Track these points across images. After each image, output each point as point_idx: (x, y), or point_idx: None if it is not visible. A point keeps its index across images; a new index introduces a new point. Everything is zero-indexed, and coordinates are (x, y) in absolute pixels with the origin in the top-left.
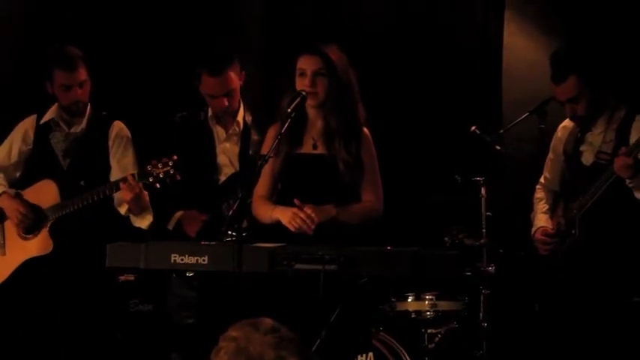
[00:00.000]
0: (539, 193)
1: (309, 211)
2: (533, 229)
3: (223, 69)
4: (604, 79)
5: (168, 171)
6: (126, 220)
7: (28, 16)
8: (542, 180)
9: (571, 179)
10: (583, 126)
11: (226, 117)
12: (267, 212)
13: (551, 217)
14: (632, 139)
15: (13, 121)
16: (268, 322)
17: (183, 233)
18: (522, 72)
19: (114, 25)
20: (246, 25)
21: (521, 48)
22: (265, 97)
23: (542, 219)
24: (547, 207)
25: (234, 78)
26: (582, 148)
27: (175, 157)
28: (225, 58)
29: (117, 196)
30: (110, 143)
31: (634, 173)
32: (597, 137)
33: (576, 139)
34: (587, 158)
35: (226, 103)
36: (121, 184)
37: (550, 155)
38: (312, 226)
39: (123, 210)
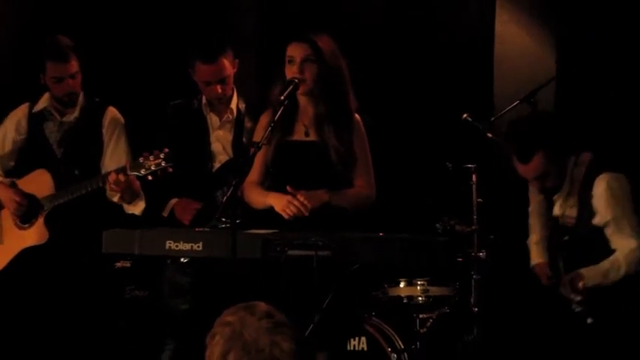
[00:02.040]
0: (531, 219)
1: (302, 198)
2: (531, 263)
3: (217, 56)
4: (568, 146)
5: (160, 163)
6: (120, 207)
7: (23, 3)
8: (529, 208)
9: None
10: (552, 195)
11: (220, 104)
12: (260, 198)
13: (544, 248)
14: (596, 207)
15: (5, 109)
16: (263, 306)
17: (177, 220)
18: (514, 61)
19: (108, 13)
20: (240, 14)
21: (513, 37)
22: (258, 85)
23: (535, 253)
24: (538, 237)
25: (228, 65)
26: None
27: (167, 150)
28: (218, 45)
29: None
30: (104, 130)
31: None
32: (560, 199)
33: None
34: (556, 212)
35: (220, 90)
36: (109, 177)
37: (530, 189)
38: (306, 213)
39: (115, 198)
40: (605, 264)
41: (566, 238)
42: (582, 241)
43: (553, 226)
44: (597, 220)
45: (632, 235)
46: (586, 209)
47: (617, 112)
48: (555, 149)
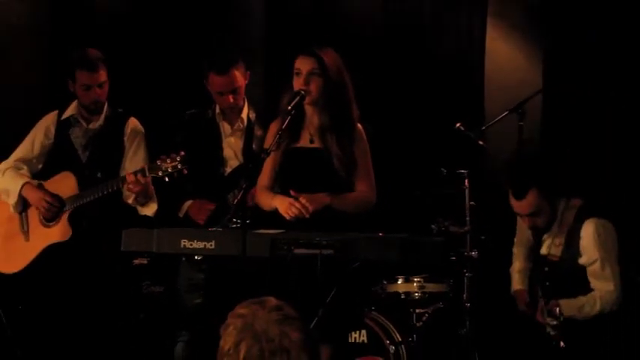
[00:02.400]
0: (516, 249)
1: (303, 201)
2: (512, 290)
3: (229, 68)
4: (559, 187)
5: (176, 165)
6: (134, 209)
7: (53, 21)
8: (515, 239)
9: (534, 260)
10: (541, 234)
11: (232, 113)
12: (267, 201)
13: (525, 276)
14: (583, 247)
15: (37, 115)
16: (273, 300)
17: (192, 221)
18: (503, 74)
19: (130, 30)
20: (249, 29)
21: (503, 52)
22: (266, 95)
23: (516, 280)
24: (521, 266)
25: (240, 76)
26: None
27: (183, 153)
28: (230, 58)
29: (125, 188)
30: (125, 138)
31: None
32: (549, 239)
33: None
34: (543, 251)
35: (232, 100)
36: (128, 177)
37: (518, 222)
38: (307, 215)
39: (130, 200)
40: (582, 299)
41: (546, 269)
42: (562, 276)
43: (536, 258)
44: (583, 260)
45: (611, 279)
46: (572, 249)
47: (600, 123)
48: (547, 188)
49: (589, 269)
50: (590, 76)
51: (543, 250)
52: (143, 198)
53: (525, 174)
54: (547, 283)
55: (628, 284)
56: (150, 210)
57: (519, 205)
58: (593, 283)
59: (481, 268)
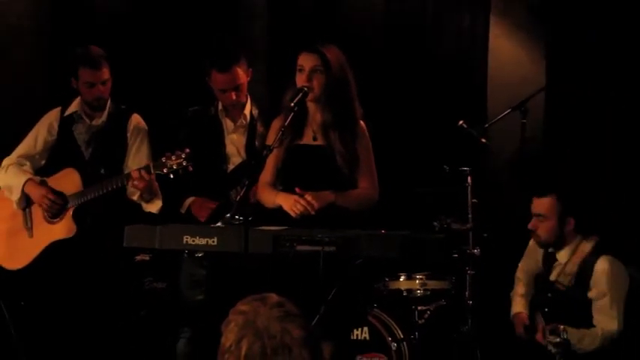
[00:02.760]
0: (520, 274)
1: (309, 198)
2: (512, 312)
3: (231, 65)
4: (575, 214)
5: (181, 162)
6: (138, 205)
7: (53, 20)
8: (520, 264)
9: (537, 287)
10: (542, 247)
11: (234, 110)
12: (271, 198)
13: (527, 301)
14: (594, 282)
15: (39, 113)
16: (275, 297)
17: (193, 217)
18: (506, 72)
19: (132, 29)
20: (251, 26)
21: (506, 50)
22: (269, 92)
23: (517, 304)
24: (523, 291)
25: (242, 74)
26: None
27: (188, 150)
28: (232, 55)
29: (129, 184)
30: (128, 135)
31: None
32: (559, 267)
33: (547, 254)
34: (552, 277)
35: (234, 97)
36: (133, 173)
37: (526, 252)
38: (313, 212)
39: (135, 197)
40: (584, 331)
41: (549, 295)
42: (565, 305)
43: (541, 284)
44: (592, 294)
45: (615, 318)
46: (582, 280)
47: (602, 120)
48: (565, 202)
49: (596, 304)
50: (592, 74)
51: (552, 277)
52: (148, 195)
53: (550, 180)
54: (546, 309)
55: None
56: (154, 207)
57: (535, 204)
58: (597, 318)
59: (483, 266)
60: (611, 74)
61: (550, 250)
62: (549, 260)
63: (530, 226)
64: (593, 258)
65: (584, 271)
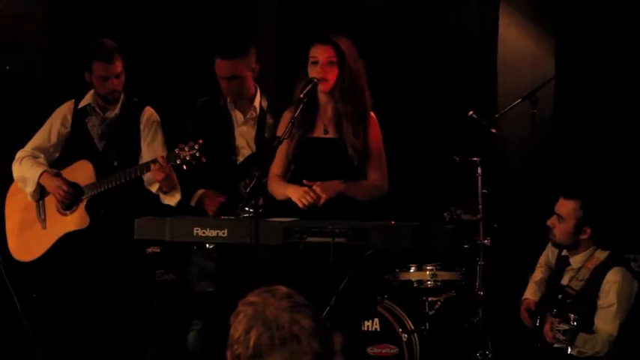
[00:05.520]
0: (541, 259)
1: (317, 189)
2: (522, 298)
3: (233, 55)
4: (593, 226)
5: (194, 154)
6: (154, 197)
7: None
8: (545, 251)
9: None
10: (556, 247)
11: (244, 102)
12: (280, 189)
13: (539, 289)
14: (603, 290)
15: (50, 107)
16: (283, 289)
17: (203, 209)
18: (516, 62)
19: (143, 21)
20: (261, 17)
21: (515, 40)
22: (278, 84)
23: (529, 289)
24: (540, 277)
25: (243, 66)
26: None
27: (201, 141)
28: (239, 45)
29: (148, 176)
30: (141, 127)
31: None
32: (572, 271)
33: (561, 257)
34: (564, 281)
35: (225, 85)
36: (153, 165)
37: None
38: (321, 203)
39: (154, 189)
40: (588, 335)
41: (560, 296)
42: (574, 309)
43: (550, 285)
44: (601, 302)
45: (616, 328)
46: (592, 288)
47: (613, 110)
48: (589, 210)
49: (601, 311)
50: (603, 63)
51: (564, 281)
52: (167, 186)
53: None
54: (555, 311)
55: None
56: (174, 199)
57: (560, 203)
58: (599, 325)
59: (494, 257)
60: (623, 63)
61: (564, 253)
62: (562, 263)
63: (548, 222)
64: (606, 267)
65: (596, 278)
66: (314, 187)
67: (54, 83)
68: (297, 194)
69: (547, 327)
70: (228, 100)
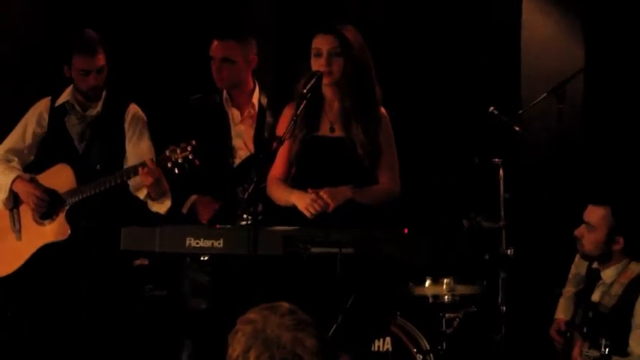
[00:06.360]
0: (573, 270)
1: (325, 196)
2: (554, 317)
3: (229, 36)
4: (626, 235)
5: (187, 156)
6: (142, 204)
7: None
8: (575, 260)
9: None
10: (585, 259)
11: (241, 98)
12: (284, 195)
13: (571, 305)
14: (638, 309)
15: (27, 103)
16: (285, 305)
17: (196, 217)
18: (541, 52)
19: (129, 8)
20: (259, 8)
21: (540, 27)
22: (278, 79)
23: (559, 307)
24: (571, 292)
25: (237, 50)
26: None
27: (194, 142)
28: (235, 28)
29: (135, 180)
30: (126, 126)
31: None
32: (603, 285)
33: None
34: (595, 298)
35: (217, 70)
36: (141, 169)
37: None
38: (329, 211)
39: (142, 195)
40: (621, 359)
41: (590, 314)
42: (606, 327)
43: (580, 301)
44: (636, 321)
45: None
46: (627, 305)
47: None
48: (619, 218)
49: (636, 332)
50: (636, 54)
51: (595, 297)
52: (156, 192)
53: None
54: (585, 329)
55: None
56: (163, 207)
57: (588, 210)
58: (634, 347)
59: (517, 268)
60: None
61: (594, 266)
62: (593, 277)
63: (576, 232)
64: None
65: (630, 294)
66: (321, 193)
67: (29, 78)
68: (303, 202)
69: (576, 351)
70: (224, 96)
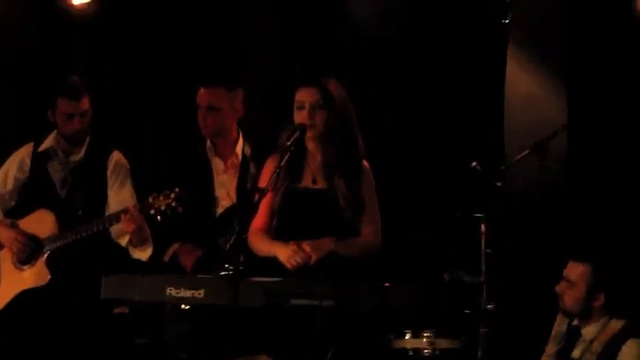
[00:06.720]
0: (555, 328)
1: (307, 248)
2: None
3: (215, 83)
4: (607, 292)
5: (170, 203)
6: (123, 251)
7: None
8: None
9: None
10: (566, 316)
11: (225, 147)
12: (265, 247)
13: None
14: None
15: (9, 148)
16: (264, 357)
17: (178, 265)
18: (524, 108)
19: (112, 55)
20: (247, 56)
21: (524, 85)
22: (264, 127)
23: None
24: (554, 350)
25: (224, 98)
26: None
27: (178, 190)
28: (223, 75)
29: (117, 227)
30: (108, 173)
31: None
32: (583, 343)
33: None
34: (575, 355)
35: (203, 119)
36: (123, 216)
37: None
38: (311, 263)
39: (123, 242)
40: None
41: None
42: None
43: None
44: None
45: None
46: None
47: (630, 164)
48: (600, 273)
49: None
50: (620, 110)
51: (575, 354)
52: (138, 239)
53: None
54: None
55: None
56: (145, 254)
57: (568, 267)
58: None
59: (498, 323)
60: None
61: (574, 322)
62: (573, 334)
63: (557, 289)
64: (622, 339)
65: (610, 351)
66: (303, 246)
67: (11, 123)
68: (285, 254)
69: None
70: (207, 145)
